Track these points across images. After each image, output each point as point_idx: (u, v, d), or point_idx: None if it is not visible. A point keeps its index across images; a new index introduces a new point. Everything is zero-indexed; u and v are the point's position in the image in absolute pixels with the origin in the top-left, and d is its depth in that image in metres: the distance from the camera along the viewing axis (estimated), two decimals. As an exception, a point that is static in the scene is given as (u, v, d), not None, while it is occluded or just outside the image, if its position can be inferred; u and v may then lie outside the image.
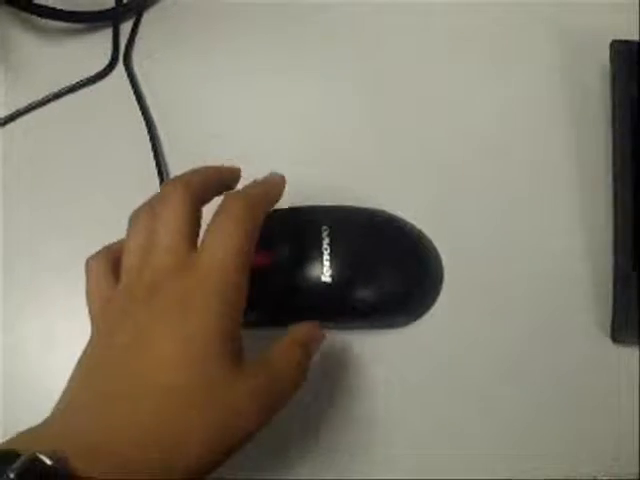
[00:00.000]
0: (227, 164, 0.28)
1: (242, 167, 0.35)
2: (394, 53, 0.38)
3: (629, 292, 0.32)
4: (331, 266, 0.30)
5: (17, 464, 0.18)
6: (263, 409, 0.23)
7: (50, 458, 0.19)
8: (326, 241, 0.30)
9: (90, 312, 0.26)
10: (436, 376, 0.32)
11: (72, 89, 0.38)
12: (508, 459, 0.31)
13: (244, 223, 0.25)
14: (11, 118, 0.37)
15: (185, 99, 0.38)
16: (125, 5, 0.39)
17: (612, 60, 0.36)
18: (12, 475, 0.18)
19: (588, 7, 0.37)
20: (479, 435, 0.31)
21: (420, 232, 0.34)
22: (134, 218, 0.27)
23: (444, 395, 0.32)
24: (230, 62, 0.38)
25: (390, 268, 0.32)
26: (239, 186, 0.28)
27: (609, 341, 0.32)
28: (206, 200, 0.27)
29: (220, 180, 0.28)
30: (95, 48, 0.39)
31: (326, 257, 0.30)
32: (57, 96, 0.38)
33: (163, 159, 0.36)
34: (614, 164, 0.34)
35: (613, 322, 0.32)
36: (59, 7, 0.37)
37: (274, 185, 0.28)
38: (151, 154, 0.36)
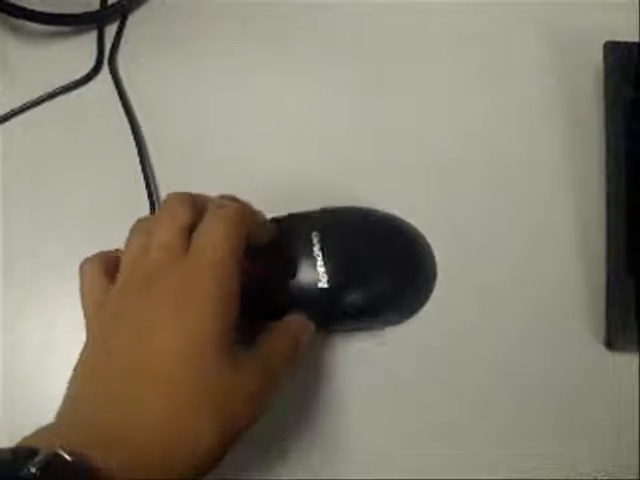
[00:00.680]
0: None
1: (229, 169, 0.35)
2: (392, 53, 0.38)
3: (623, 298, 0.31)
4: (326, 271, 0.30)
5: (38, 459, 0.19)
6: (257, 408, 0.24)
7: (69, 453, 0.19)
8: (317, 247, 0.30)
9: (85, 316, 0.27)
10: (430, 380, 0.32)
11: (57, 93, 0.38)
12: (505, 460, 0.31)
13: (235, 224, 0.25)
14: (-4, 122, 0.37)
15: (171, 102, 0.37)
16: (110, 7, 0.39)
17: (605, 61, 0.35)
18: (33, 470, 0.19)
19: (582, 8, 0.37)
20: (475, 436, 0.31)
21: (412, 228, 0.33)
22: (134, 225, 0.28)
23: (439, 397, 0.32)
24: (218, 64, 0.38)
25: (383, 267, 0.32)
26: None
27: (603, 347, 0.32)
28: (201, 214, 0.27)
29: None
30: (80, 51, 0.38)
31: (320, 263, 0.30)
32: (42, 100, 0.37)
33: (149, 161, 0.36)
34: (607, 166, 0.34)
35: (607, 328, 0.31)
36: (43, 10, 0.37)
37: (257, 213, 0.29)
38: (137, 157, 0.36)
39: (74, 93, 0.38)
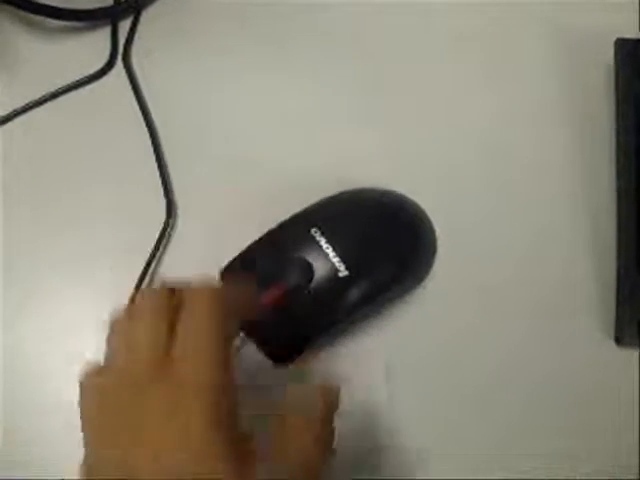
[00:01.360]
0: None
1: (240, 164, 0.35)
2: (393, 53, 0.38)
3: (633, 294, 0.31)
4: (341, 260, 0.30)
5: None
6: None
7: None
8: (323, 241, 0.30)
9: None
10: (434, 381, 0.32)
11: (71, 88, 0.38)
12: (507, 459, 0.31)
13: (211, 317, 0.24)
14: (8, 118, 0.37)
15: (184, 97, 0.38)
16: (124, 3, 0.39)
17: (616, 58, 0.35)
18: None
19: (591, 6, 0.37)
20: (478, 435, 0.31)
21: (401, 196, 0.33)
22: (112, 323, 0.26)
23: (443, 397, 0.32)
24: (230, 60, 0.38)
25: (387, 240, 0.32)
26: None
27: (613, 344, 0.32)
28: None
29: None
30: (94, 46, 0.39)
31: (332, 254, 0.30)
32: (55, 95, 0.38)
33: (163, 157, 0.36)
34: (618, 162, 0.34)
35: (617, 324, 0.32)
36: (57, 5, 0.37)
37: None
38: (151, 152, 0.36)
39: (88, 88, 0.38)
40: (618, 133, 0.34)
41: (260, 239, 0.31)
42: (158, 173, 0.36)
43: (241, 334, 0.30)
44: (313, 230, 0.30)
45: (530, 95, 0.36)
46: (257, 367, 0.30)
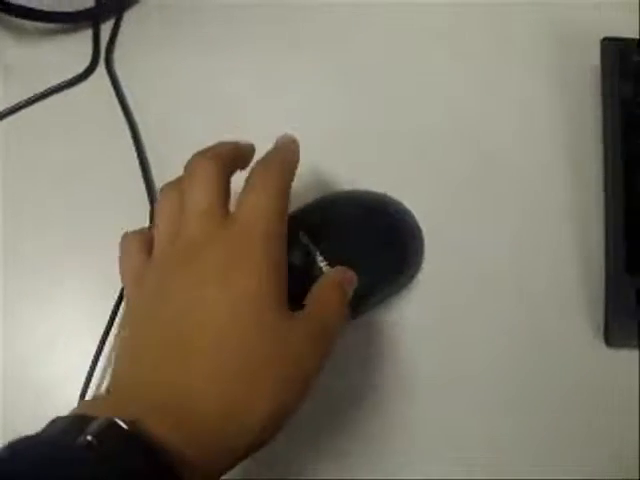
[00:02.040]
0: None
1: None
2: (390, 52, 0.38)
3: (621, 294, 0.31)
4: (330, 264, 0.30)
5: (94, 427, 0.19)
6: (319, 351, 0.24)
7: (124, 422, 0.19)
8: (311, 245, 0.30)
9: (125, 291, 0.27)
10: (426, 385, 0.32)
11: (52, 91, 0.37)
12: (506, 461, 0.31)
13: (276, 180, 0.25)
14: (-12, 122, 0.37)
15: (167, 100, 0.37)
16: (105, 4, 0.38)
17: (602, 58, 0.35)
18: (90, 438, 0.18)
19: (579, 5, 0.37)
20: (475, 438, 0.31)
21: (383, 196, 0.34)
22: (162, 195, 0.27)
23: (437, 400, 0.31)
24: (213, 62, 0.38)
25: (375, 239, 0.32)
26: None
27: (602, 344, 0.32)
28: (232, 172, 0.27)
29: (240, 154, 0.28)
30: (76, 49, 0.38)
31: (320, 258, 0.30)
32: (37, 99, 0.37)
33: (146, 161, 0.36)
34: (605, 163, 0.34)
35: (605, 325, 0.32)
36: (36, 7, 0.36)
37: (290, 151, 0.28)
38: (134, 156, 0.36)
39: (70, 91, 0.37)
40: (605, 135, 0.34)
41: None
42: (141, 176, 0.35)
43: None
44: (301, 234, 0.30)
45: (517, 95, 0.36)
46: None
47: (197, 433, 0.21)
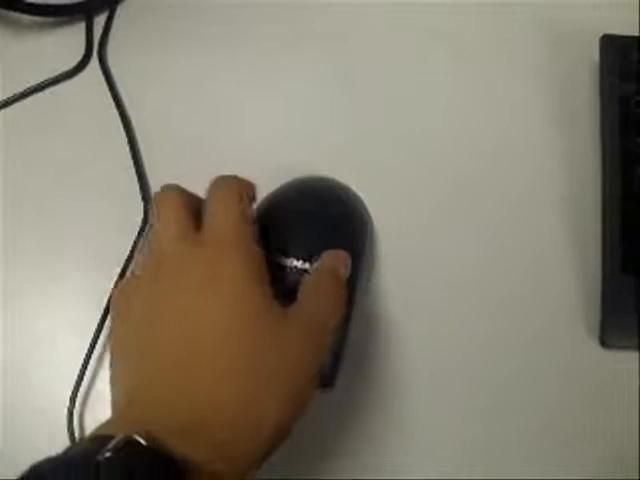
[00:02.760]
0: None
1: (218, 163, 0.34)
2: (388, 53, 0.37)
3: (618, 295, 0.31)
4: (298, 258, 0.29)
5: (111, 445, 0.19)
6: (316, 344, 0.24)
7: (144, 439, 0.20)
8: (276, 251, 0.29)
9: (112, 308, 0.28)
10: (426, 385, 0.32)
11: (45, 85, 0.37)
12: (503, 461, 0.30)
13: (237, 186, 0.27)
14: (-21, 117, 0.36)
15: (161, 94, 0.37)
16: (99, -3, 0.38)
17: (602, 54, 0.35)
18: (108, 454, 0.19)
19: (578, 5, 0.37)
20: (474, 439, 0.31)
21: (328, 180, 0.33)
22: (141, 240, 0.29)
23: (437, 400, 0.31)
24: (208, 56, 0.38)
25: (330, 222, 0.31)
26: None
27: (598, 345, 0.32)
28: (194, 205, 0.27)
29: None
30: (68, 42, 0.38)
31: (289, 260, 0.29)
32: (30, 92, 0.37)
33: (139, 156, 0.36)
34: (603, 162, 0.34)
35: (602, 326, 0.31)
36: (29, 0, 0.36)
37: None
38: (127, 151, 0.35)
39: (63, 85, 0.37)
40: (603, 133, 0.34)
41: None
42: (135, 172, 0.35)
43: None
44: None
45: (516, 94, 0.36)
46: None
47: (212, 445, 0.22)
